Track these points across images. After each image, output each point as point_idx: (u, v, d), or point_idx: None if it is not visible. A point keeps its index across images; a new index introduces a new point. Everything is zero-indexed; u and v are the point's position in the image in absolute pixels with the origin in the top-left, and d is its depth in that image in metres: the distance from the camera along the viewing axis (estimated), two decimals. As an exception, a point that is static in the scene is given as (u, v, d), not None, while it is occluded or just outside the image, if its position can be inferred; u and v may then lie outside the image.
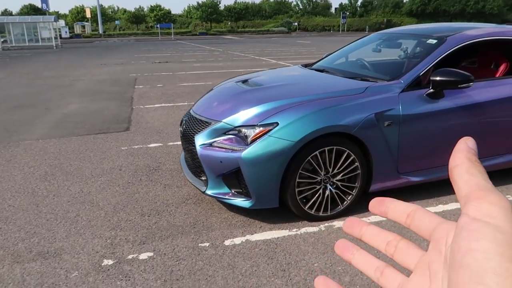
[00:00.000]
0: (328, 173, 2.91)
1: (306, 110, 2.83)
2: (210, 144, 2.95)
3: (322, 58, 4.48)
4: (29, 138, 5.21)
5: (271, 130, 2.77)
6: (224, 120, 3.02)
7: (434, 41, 3.39)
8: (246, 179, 2.78)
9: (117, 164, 4.21)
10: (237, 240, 2.75)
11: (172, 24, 55.28)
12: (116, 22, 68.18)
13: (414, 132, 3.05)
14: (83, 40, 46.41)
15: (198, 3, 74.82)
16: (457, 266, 0.24)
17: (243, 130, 2.86)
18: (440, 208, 3.17)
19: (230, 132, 2.93)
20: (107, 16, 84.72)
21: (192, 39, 45.91)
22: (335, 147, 2.85)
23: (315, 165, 2.85)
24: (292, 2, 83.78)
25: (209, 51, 21.76)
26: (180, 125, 3.52)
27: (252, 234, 2.83)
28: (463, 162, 0.28)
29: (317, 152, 2.81)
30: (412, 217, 0.32)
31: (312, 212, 2.95)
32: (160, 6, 79.00)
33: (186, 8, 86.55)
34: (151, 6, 79.15)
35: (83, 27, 69.64)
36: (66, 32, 51.72)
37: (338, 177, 2.95)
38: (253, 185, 2.78)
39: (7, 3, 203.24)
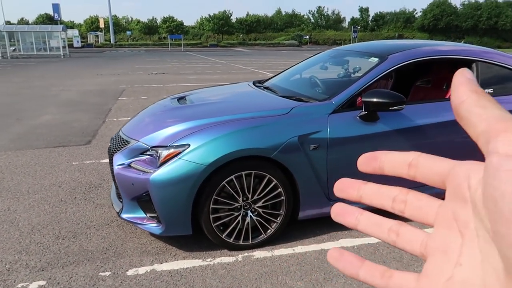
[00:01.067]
0: (247, 199, 2.71)
1: (221, 132, 2.64)
2: (128, 165, 2.78)
3: (279, 73, 4.31)
4: (-15, 150, 5.12)
5: (181, 152, 2.59)
6: (141, 140, 2.86)
7: (376, 60, 3.18)
8: (155, 203, 2.59)
9: (59, 180, 4.06)
10: (142, 270, 2.55)
11: (182, 35, 55.84)
12: (128, 32, 69.21)
13: (345, 157, 2.84)
14: (93, 50, 47.15)
15: (209, 15, 75.74)
16: (507, 215, 0.20)
17: (159, 150, 2.69)
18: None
19: (147, 153, 2.76)
20: (120, 26, 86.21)
21: (202, 51, 46.28)
22: (253, 172, 2.65)
23: (232, 190, 2.65)
24: (304, 15, 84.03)
25: (212, 63, 21.78)
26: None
27: (161, 263, 2.63)
28: (469, 96, 0.25)
29: (233, 177, 2.61)
30: (416, 166, 0.28)
31: (231, 240, 2.74)
32: (173, 17, 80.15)
33: (199, 20, 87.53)
34: (164, 17, 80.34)
35: (96, 36, 70.82)
36: (78, 41, 52.60)
37: (260, 204, 2.74)
38: (163, 211, 2.59)
39: (24, 12, 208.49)
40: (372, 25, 75.10)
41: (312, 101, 3.00)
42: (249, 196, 2.70)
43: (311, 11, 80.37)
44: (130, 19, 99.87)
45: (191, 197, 2.55)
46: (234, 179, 2.62)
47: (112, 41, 56.42)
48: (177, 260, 2.67)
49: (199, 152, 2.56)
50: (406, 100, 2.79)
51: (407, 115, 2.96)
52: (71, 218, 3.27)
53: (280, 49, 53.19)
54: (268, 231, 2.80)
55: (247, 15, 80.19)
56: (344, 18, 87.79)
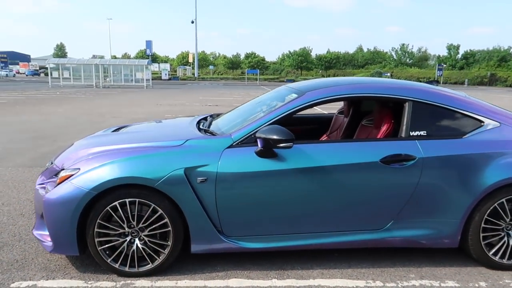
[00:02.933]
0: (133, 226, 2.75)
1: (109, 158, 2.76)
2: (42, 184, 3.01)
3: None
4: None
5: (72, 175, 2.75)
6: (55, 161, 3.09)
7: (294, 96, 3.09)
8: (45, 222, 2.76)
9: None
10: (25, 284, 2.69)
11: (258, 70, 57.89)
12: (211, 67, 73.71)
13: (238, 193, 2.76)
14: (177, 82, 50.92)
15: (289, 51, 77.80)
16: None
17: (59, 173, 2.88)
18: (275, 282, 2.75)
19: (58, 174, 2.97)
20: (207, 61, 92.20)
21: (276, 85, 47.41)
22: (137, 200, 2.70)
23: (116, 216, 2.73)
24: (387, 52, 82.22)
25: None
26: None
27: (47, 280, 2.74)
28: None
29: (116, 203, 2.70)
30: None
31: (117, 266, 2.78)
32: (255, 53, 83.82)
33: (280, 56, 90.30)
34: (247, 53, 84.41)
35: (185, 70, 76.44)
36: (166, 74, 57.33)
37: (146, 232, 2.76)
38: (51, 230, 2.74)
39: (128, 48, 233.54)
40: (462, 64, 70.72)
41: (216, 135, 2.99)
42: (134, 223, 2.74)
43: (394, 48, 78.25)
44: (217, 54, 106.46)
45: (75, 219, 2.67)
46: (118, 206, 2.70)
47: (196, 75, 60.48)
48: (64, 278, 2.78)
49: (85, 177, 2.69)
50: (294, 138, 2.66)
51: (312, 154, 2.80)
52: (7, 228, 3.57)
53: (356, 85, 52.30)
54: (155, 261, 2.80)
55: (327, 52, 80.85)
56: (431, 55, 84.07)
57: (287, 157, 2.77)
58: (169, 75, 57.60)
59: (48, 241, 2.82)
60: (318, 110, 6.68)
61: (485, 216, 2.89)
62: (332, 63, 76.15)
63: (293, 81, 59.48)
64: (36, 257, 3.07)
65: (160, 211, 2.72)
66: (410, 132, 2.92)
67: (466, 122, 2.99)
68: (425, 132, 2.93)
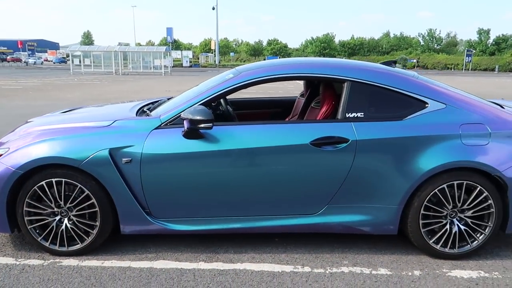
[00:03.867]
0: (61, 206, 2.77)
1: (39, 138, 2.77)
2: None
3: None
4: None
5: (2, 155, 2.78)
6: (2, 139, 3.13)
7: (230, 76, 3.01)
8: (-21, 200, 2.82)
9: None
10: (-42, 260, 2.77)
11: (278, 56, 57.37)
12: (231, 54, 73.44)
13: (163, 175, 2.72)
14: (197, 69, 51.04)
15: (312, 37, 76.60)
16: None
17: None
18: (200, 265, 2.72)
19: None
20: (229, 48, 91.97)
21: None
22: (63, 179, 2.71)
23: (44, 196, 2.75)
24: (414, 38, 79.67)
25: (291, 83, 21.99)
26: None
27: (-17, 256, 2.82)
28: None
29: (43, 183, 2.71)
30: None
31: (47, 244, 2.81)
32: (277, 40, 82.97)
33: (303, 43, 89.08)
34: (269, 40, 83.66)
35: (207, 57, 76.59)
36: (186, 61, 57.59)
37: (74, 212, 2.78)
38: (-17, 208, 2.80)
39: (152, 36, 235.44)
40: (492, 49, 67.76)
41: (147, 116, 2.95)
42: (62, 203, 2.76)
43: (421, 33, 75.70)
44: (240, 41, 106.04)
45: (3, 197, 2.71)
46: (45, 185, 2.72)
47: (217, 62, 60.47)
48: (3, 256, 2.83)
49: (13, 156, 2.72)
50: (212, 119, 2.59)
51: (241, 136, 2.73)
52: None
53: (379, 72, 51.09)
54: (84, 241, 2.81)
55: (352, 38, 79.11)
56: (461, 41, 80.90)
57: (215, 139, 2.71)
58: (190, 62, 57.80)
59: None
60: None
61: (425, 203, 2.75)
62: (356, 50, 74.52)
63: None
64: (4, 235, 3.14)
65: (87, 192, 2.72)
66: (346, 114, 2.79)
67: (408, 104, 2.83)
68: (362, 114, 2.79)
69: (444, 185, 2.73)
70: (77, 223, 2.80)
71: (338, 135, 2.71)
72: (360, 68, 2.96)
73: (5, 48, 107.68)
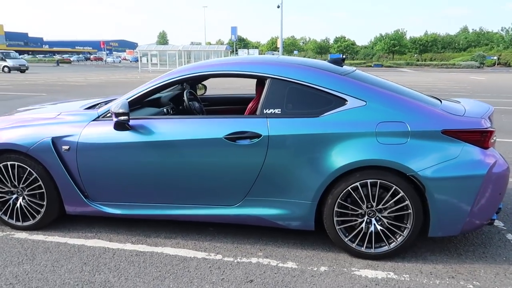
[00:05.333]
0: (16, 186, 3.19)
1: (2, 127, 3.21)
2: None
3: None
4: None
5: (-27, 140, 3.26)
6: None
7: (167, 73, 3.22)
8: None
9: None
10: None
11: (341, 55, 56.02)
12: (295, 52, 73.14)
13: (95, 162, 3.01)
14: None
15: (381, 34, 73.72)
16: None
17: None
18: (126, 246, 2.98)
19: None
20: (296, 46, 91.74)
21: (362, 70, 45.57)
22: (16, 163, 3.12)
23: (2, 177, 3.18)
24: (497, 33, 73.23)
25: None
26: None
27: (-43, 226, 3.34)
28: None
29: (0, 165, 3.15)
30: None
31: (6, 219, 3.24)
32: (344, 37, 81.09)
33: (372, 40, 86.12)
34: (336, 37, 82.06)
35: (272, 55, 76.97)
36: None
37: (26, 192, 3.18)
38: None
39: (222, 35, 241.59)
40: None
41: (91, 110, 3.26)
42: (16, 183, 3.18)
43: (505, 28, 69.34)
44: (307, 39, 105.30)
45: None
46: (2, 167, 3.15)
47: (280, 60, 60.85)
48: (-29, 226, 3.34)
49: (-21, 141, 3.19)
50: (127, 112, 2.82)
51: (163, 129, 2.93)
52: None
53: (452, 70, 47.97)
54: (35, 218, 3.20)
55: (424, 34, 74.85)
56: (552, 35, 72.62)
57: (139, 131, 2.95)
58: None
59: None
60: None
61: (338, 200, 2.75)
62: (428, 46, 70.31)
63: (381, 66, 56.39)
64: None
65: (35, 175, 3.11)
66: (264, 110, 2.87)
67: (327, 101, 2.83)
68: (279, 110, 2.85)
69: (357, 183, 2.70)
70: (29, 202, 3.20)
71: (251, 130, 2.80)
72: (282, 65, 3.01)
73: (90, 48, 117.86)
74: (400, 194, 2.67)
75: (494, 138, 2.86)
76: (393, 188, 2.67)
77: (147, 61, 35.20)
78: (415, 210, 2.67)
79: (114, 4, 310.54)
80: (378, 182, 2.68)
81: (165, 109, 3.79)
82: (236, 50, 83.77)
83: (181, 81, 3.07)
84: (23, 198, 3.21)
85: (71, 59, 71.82)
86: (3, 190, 3.22)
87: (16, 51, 77.12)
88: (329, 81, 2.88)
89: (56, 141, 3.04)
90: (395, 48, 70.70)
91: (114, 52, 77.92)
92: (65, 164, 3.06)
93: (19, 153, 3.11)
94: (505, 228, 3.35)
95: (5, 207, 3.25)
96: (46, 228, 3.26)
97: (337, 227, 2.80)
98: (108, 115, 3.07)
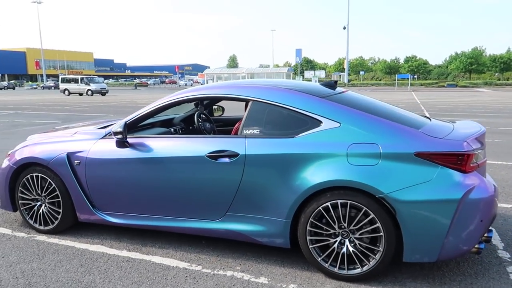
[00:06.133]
0: (39, 195, 3.66)
1: (27, 144, 3.74)
2: None
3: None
4: None
5: (9, 154, 3.82)
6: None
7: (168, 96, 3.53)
8: (-4, 186, 3.90)
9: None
10: (-19, 227, 3.89)
11: (409, 75, 53.80)
12: (361, 72, 71.66)
13: (101, 176, 3.38)
14: (324, 88, 51.38)
15: (456, 53, 69.77)
16: None
17: None
18: (121, 252, 3.28)
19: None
20: (364, 66, 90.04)
21: (431, 90, 43.56)
22: (40, 175, 3.60)
23: (29, 186, 3.67)
24: None
25: (410, 103, 20.91)
26: None
27: (-5, 227, 3.90)
28: None
29: (28, 176, 3.65)
30: None
31: (32, 223, 3.73)
32: (415, 57, 78.05)
33: (447, 59, 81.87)
34: (407, 57, 79.20)
35: (339, 76, 76.54)
36: (315, 81, 58.58)
37: (48, 200, 3.64)
38: (-2, 191, 3.88)
39: (289, 57, 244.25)
40: None
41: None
42: (40, 192, 3.65)
43: None
44: (376, 59, 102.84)
45: (6, 185, 3.74)
46: (29, 178, 3.65)
47: (345, 81, 59.99)
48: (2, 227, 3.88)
49: (12, 156, 3.74)
50: (120, 132, 3.15)
51: (156, 148, 3.21)
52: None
53: (537, 90, 43.86)
54: (53, 224, 3.63)
55: (507, 51, 69.49)
56: None
57: (136, 149, 3.27)
58: (318, 81, 58.74)
59: None
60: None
61: (310, 219, 2.81)
62: (510, 65, 64.98)
63: (455, 86, 53.19)
64: None
65: (54, 185, 3.57)
66: (244, 130, 3.05)
67: (303, 122, 2.93)
68: (258, 130, 3.01)
69: (328, 203, 2.75)
70: (49, 209, 3.65)
71: (230, 149, 2.99)
72: (264, 88, 3.17)
73: (167, 72, 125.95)
74: (371, 216, 2.66)
75: (481, 161, 2.75)
76: (364, 209, 2.67)
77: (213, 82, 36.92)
78: (386, 233, 2.65)
79: (190, 31, 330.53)
80: (349, 203, 2.70)
81: (172, 129, 4.11)
82: (302, 72, 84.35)
83: (173, 104, 3.37)
84: (45, 206, 3.68)
85: (148, 82, 77.61)
86: (30, 198, 3.72)
87: (103, 76, 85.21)
88: (305, 103, 2.98)
89: (70, 156, 3.48)
90: (472, 67, 66.38)
91: (186, 76, 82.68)
92: (77, 177, 3.47)
93: (42, 166, 3.59)
94: (509, 259, 3.12)
95: (31, 212, 3.74)
96: (63, 232, 3.69)
97: (310, 246, 2.85)
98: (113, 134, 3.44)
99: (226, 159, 2.98)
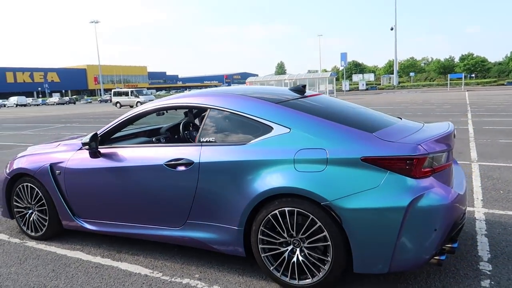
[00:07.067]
0: (29, 202, 3.90)
1: (20, 156, 4.01)
2: None
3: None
4: None
5: (7, 165, 4.12)
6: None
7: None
8: (-2, 194, 4.21)
9: None
10: (-15, 233, 4.21)
11: (464, 73, 50.79)
12: (411, 74, 68.78)
13: (77, 184, 3.53)
14: (369, 92, 50.07)
15: (517, 48, 64.89)
16: None
17: None
18: (95, 259, 3.40)
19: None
20: (416, 67, 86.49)
21: (488, 89, 40.92)
22: (29, 184, 3.84)
23: (21, 195, 3.93)
24: None
25: (457, 107, 19.86)
26: None
27: (-3, 233, 4.20)
28: None
29: (20, 186, 3.90)
30: None
31: (25, 229, 3.98)
32: (472, 54, 73.74)
33: (508, 55, 76.62)
34: (462, 55, 75.08)
35: (389, 78, 74.23)
36: (362, 84, 57.25)
37: (36, 208, 3.87)
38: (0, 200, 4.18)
39: (337, 61, 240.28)
40: None
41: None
42: (30, 200, 3.89)
43: None
44: (430, 59, 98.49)
45: (3, 194, 4.03)
46: (21, 187, 3.90)
47: (395, 83, 57.94)
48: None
49: (7, 166, 4.03)
50: (86, 143, 3.29)
51: (122, 157, 3.31)
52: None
53: None
54: (42, 231, 3.85)
55: None
56: None
57: (106, 158, 3.40)
58: (365, 85, 57.27)
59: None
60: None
61: (261, 227, 2.75)
62: None
63: (517, 83, 49.35)
64: None
65: (40, 194, 3.79)
66: (201, 138, 3.07)
67: (256, 129, 2.89)
68: (213, 138, 3.01)
69: (276, 211, 2.68)
70: (38, 216, 3.88)
71: (186, 157, 3.01)
72: (220, 95, 3.16)
73: (216, 81, 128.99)
74: (318, 224, 2.56)
75: (441, 165, 2.56)
76: (310, 217, 2.58)
77: (256, 91, 37.21)
78: (334, 242, 2.53)
79: (240, 42, 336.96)
80: (295, 211, 2.62)
81: (154, 139, 4.21)
82: (350, 76, 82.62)
83: (141, 115, 3.47)
84: (35, 213, 3.91)
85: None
86: (22, 206, 3.97)
87: (156, 88, 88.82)
88: (258, 109, 2.94)
89: (53, 167, 3.68)
90: (537, 63, 61.35)
91: (233, 84, 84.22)
92: (58, 186, 3.66)
93: (30, 176, 3.83)
94: (489, 272, 2.85)
95: (24, 219, 3.99)
96: (52, 239, 3.89)
97: (263, 255, 2.79)
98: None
99: (183, 167, 3.01)
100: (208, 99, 3.17)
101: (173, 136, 4.46)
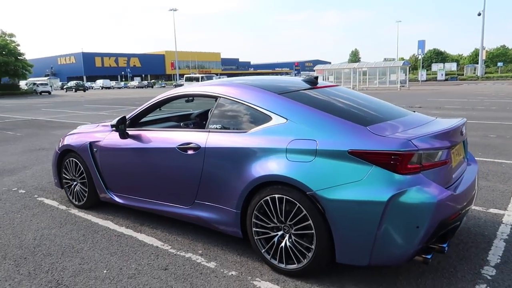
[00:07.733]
0: (74, 175, 4.43)
1: (68, 134, 4.55)
2: None
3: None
4: None
5: (60, 141, 4.70)
6: None
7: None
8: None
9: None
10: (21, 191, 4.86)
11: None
12: (499, 64, 62.63)
13: (109, 161, 3.95)
14: (450, 83, 46.69)
15: None
16: None
17: None
18: (121, 229, 3.80)
19: None
20: (508, 57, 78.88)
21: None
22: (73, 159, 4.37)
23: (69, 168, 4.48)
24: None
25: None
26: None
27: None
28: None
29: (68, 160, 4.45)
30: None
31: (71, 198, 4.54)
32: None
33: None
34: None
35: (474, 68, 68.64)
36: (442, 74, 53.59)
37: (79, 180, 4.39)
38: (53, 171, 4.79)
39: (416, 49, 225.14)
40: None
41: None
42: (75, 174, 4.42)
43: None
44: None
45: (56, 166, 4.63)
46: (69, 160, 4.45)
47: (479, 73, 53.32)
48: (50, 199, 4.78)
49: (59, 143, 4.60)
50: (113, 125, 3.63)
51: (146, 139, 3.65)
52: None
53: None
54: (82, 201, 4.37)
55: None
56: None
57: (132, 139, 3.77)
58: (445, 75, 53.46)
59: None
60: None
61: (254, 211, 2.92)
62: None
63: None
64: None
65: (82, 168, 4.30)
66: (209, 125, 3.28)
67: (257, 117, 3.03)
68: (220, 125, 3.21)
69: (268, 197, 2.82)
70: (80, 188, 4.40)
71: (194, 142, 3.25)
72: (228, 85, 3.33)
73: (288, 68, 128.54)
74: (303, 213, 2.66)
75: (433, 162, 2.52)
76: (297, 206, 2.68)
77: (324, 79, 36.58)
78: (317, 231, 2.61)
79: (314, 29, 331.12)
80: (284, 198, 2.74)
81: (182, 124, 4.51)
82: (429, 65, 77.59)
83: (162, 102, 3.77)
84: (78, 185, 4.44)
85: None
86: (69, 178, 4.53)
87: (228, 74, 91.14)
88: (260, 99, 3.07)
89: (92, 144, 4.15)
90: None
91: (301, 72, 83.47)
92: (96, 162, 4.12)
93: (75, 152, 4.35)
94: (489, 278, 2.74)
95: (70, 190, 4.55)
96: (92, 208, 4.39)
97: (256, 238, 2.95)
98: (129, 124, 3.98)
99: (192, 151, 3.25)
100: (218, 89, 3.36)
101: (201, 122, 4.73)
